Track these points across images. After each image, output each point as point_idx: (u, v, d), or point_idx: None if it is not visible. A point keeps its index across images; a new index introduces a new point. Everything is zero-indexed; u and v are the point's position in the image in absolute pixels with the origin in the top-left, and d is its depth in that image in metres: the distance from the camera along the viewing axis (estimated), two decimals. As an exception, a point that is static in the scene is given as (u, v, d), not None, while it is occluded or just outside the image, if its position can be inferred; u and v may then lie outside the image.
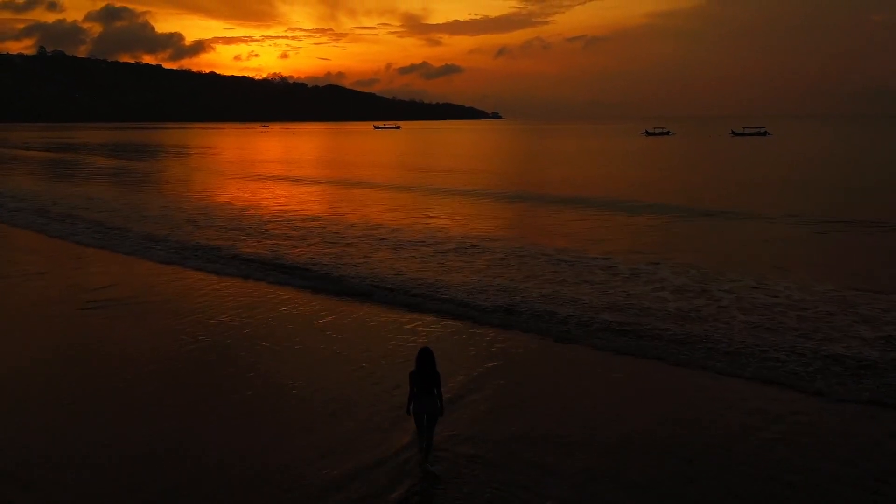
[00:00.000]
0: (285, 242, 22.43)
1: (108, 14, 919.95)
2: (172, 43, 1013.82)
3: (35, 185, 44.00)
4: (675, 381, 11.17)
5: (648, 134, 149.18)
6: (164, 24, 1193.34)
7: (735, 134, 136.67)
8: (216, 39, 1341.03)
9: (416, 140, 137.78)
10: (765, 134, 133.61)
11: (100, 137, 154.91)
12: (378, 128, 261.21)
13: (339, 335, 13.29)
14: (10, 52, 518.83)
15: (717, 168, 55.72)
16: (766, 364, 11.56)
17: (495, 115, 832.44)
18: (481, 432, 9.12)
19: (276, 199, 35.34)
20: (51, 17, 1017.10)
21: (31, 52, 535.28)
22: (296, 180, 45.48)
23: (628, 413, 9.83)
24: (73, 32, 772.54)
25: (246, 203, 33.20)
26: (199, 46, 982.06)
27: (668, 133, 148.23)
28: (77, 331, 13.72)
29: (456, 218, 27.79)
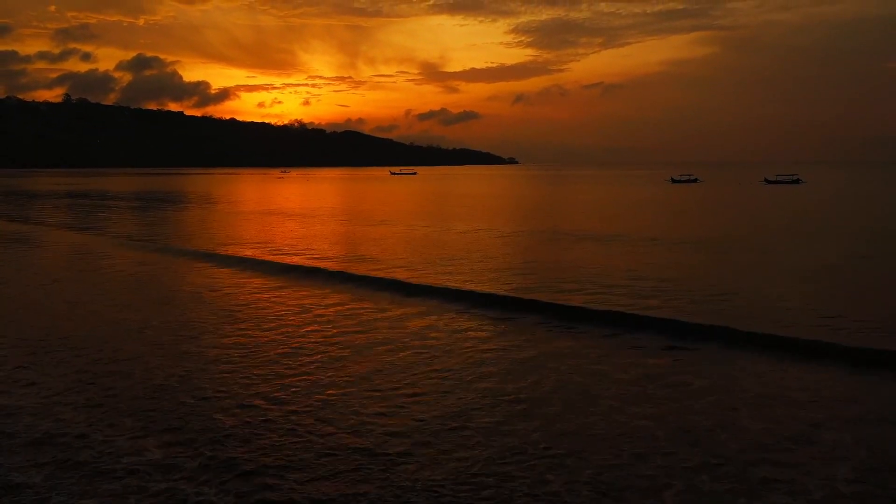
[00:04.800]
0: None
1: (139, 63, 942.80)
2: (199, 91, 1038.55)
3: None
4: None
5: (674, 181, 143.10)
6: (192, 72, 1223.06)
7: (768, 182, 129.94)
8: (239, 87, 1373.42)
9: (432, 190, 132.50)
10: (797, 181, 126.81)
11: (104, 185, 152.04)
12: (394, 174, 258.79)
13: None
14: (37, 100, 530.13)
15: (778, 232, 48.89)
16: None
17: (511, 161, 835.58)
18: None
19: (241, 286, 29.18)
20: (84, 67, 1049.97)
21: (60, 100, 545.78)
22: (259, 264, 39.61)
23: None
24: (103, 81, 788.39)
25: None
26: (224, 94, 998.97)
27: (695, 180, 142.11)
28: None
29: (470, 349, 21.23)
